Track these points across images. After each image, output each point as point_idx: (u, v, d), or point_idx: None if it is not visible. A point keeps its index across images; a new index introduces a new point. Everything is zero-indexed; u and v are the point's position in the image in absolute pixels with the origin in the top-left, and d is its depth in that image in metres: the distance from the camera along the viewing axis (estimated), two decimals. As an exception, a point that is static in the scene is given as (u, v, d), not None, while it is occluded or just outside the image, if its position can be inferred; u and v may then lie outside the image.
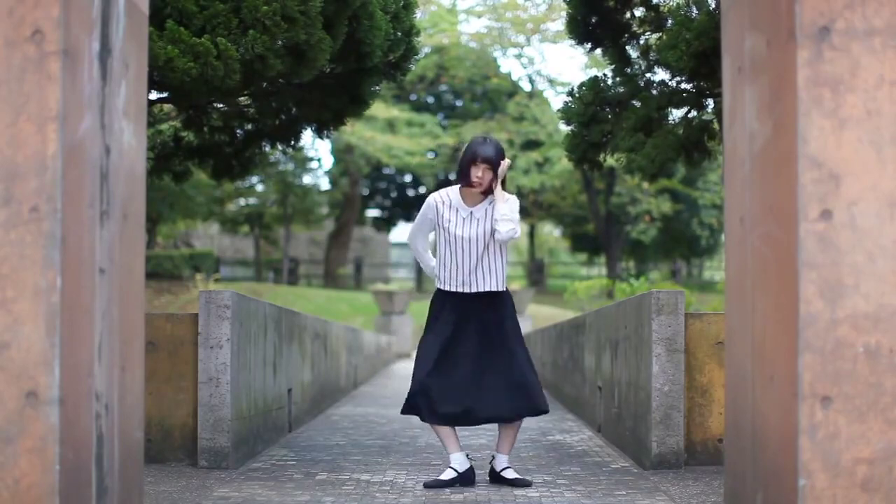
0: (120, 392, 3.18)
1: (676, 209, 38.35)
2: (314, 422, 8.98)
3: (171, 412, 6.06)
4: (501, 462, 5.56)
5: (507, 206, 5.45)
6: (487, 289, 5.54)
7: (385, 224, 47.33)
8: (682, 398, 5.88)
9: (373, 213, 46.74)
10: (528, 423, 8.88)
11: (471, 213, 5.55)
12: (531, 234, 47.71)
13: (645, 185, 34.18)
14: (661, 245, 40.79)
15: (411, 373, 5.58)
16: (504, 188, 5.53)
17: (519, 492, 5.26)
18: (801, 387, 2.84)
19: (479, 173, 5.48)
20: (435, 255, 5.74)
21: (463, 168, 5.54)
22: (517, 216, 5.49)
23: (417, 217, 5.71)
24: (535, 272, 42.94)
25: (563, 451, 6.92)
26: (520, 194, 39.92)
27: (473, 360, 5.46)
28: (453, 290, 5.56)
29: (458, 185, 5.60)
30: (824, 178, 2.87)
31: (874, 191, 2.87)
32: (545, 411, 5.47)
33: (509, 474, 5.50)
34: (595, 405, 8.26)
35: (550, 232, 53.39)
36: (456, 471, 5.46)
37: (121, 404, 3.19)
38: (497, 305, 5.56)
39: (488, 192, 5.55)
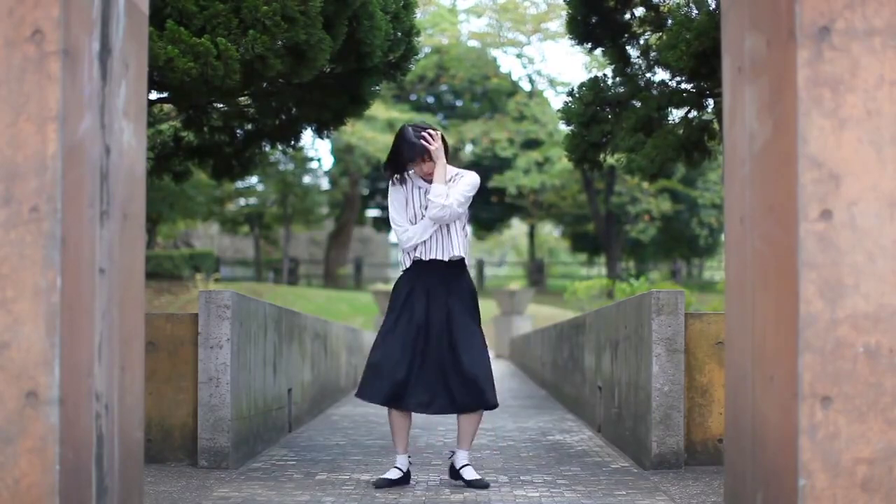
0: (120, 392, 3.18)
1: (676, 209, 38.37)
2: (314, 422, 8.98)
3: (171, 412, 6.06)
4: (461, 459, 5.47)
5: (441, 186, 5.34)
6: (447, 257, 5.42)
7: (385, 224, 47.32)
8: (682, 398, 5.88)
9: (373, 213, 46.77)
10: (528, 423, 8.89)
11: (429, 186, 5.45)
12: (531, 234, 47.72)
13: (645, 184, 34.19)
14: (661, 245, 40.81)
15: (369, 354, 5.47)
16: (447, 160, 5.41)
17: (519, 492, 5.25)
18: (801, 387, 2.84)
19: (424, 168, 5.42)
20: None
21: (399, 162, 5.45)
22: (459, 195, 5.35)
23: (391, 210, 5.49)
24: (535, 272, 42.94)
25: (563, 451, 6.92)
26: (520, 194, 39.95)
27: (436, 347, 5.36)
28: (416, 258, 5.44)
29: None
30: (824, 178, 2.87)
31: (874, 191, 2.87)
32: (492, 406, 5.37)
33: (467, 474, 5.40)
34: (595, 405, 8.26)
35: (550, 232, 53.39)
36: (401, 470, 5.44)
37: (121, 404, 3.19)
38: (459, 281, 5.45)
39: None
